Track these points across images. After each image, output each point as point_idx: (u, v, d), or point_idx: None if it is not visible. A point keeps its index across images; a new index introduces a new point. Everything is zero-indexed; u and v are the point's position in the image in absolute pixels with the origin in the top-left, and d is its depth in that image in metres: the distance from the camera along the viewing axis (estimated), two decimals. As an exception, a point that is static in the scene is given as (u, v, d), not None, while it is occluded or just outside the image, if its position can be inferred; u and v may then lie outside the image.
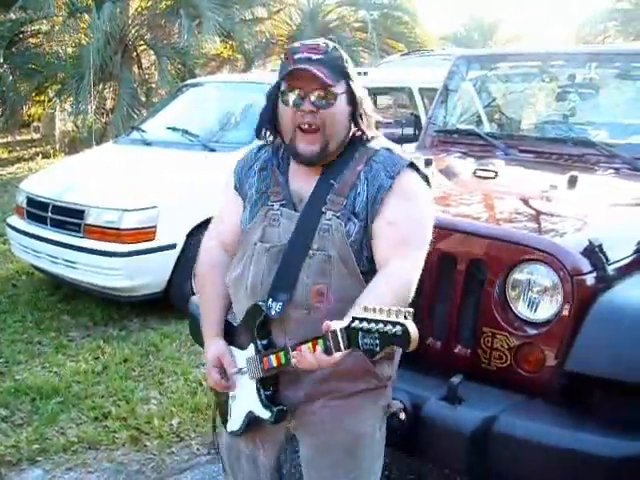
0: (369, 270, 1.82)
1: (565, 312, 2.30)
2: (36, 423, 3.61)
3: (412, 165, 1.87)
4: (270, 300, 1.81)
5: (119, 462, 3.30)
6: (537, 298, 2.38)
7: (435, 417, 2.27)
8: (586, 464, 2.13)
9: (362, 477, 1.98)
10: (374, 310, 1.48)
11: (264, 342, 1.86)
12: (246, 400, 1.93)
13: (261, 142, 2.03)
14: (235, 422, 2.02)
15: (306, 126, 1.80)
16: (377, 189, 1.81)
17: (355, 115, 1.86)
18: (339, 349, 1.56)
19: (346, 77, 1.83)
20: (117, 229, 4.85)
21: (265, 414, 1.88)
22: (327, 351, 1.58)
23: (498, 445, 2.19)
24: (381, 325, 1.45)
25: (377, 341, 1.46)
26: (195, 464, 3.30)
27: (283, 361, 1.75)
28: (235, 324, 1.99)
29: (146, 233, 4.90)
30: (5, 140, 14.89)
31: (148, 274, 4.92)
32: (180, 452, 3.39)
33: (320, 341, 1.60)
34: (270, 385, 1.89)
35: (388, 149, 1.89)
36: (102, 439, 3.47)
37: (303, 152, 1.83)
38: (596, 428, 2.16)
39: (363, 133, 1.89)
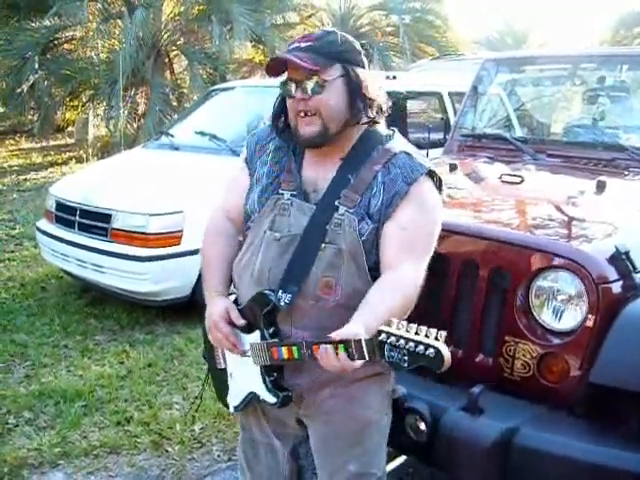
0: (375, 270, 1.85)
1: (590, 321, 2.24)
2: (59, 426, 3.62)
3: (429, 172, 1.89)
4: (280, 291, 1.83)
5: (140, 467, 3.29)
6: (561, 307, 2.32)
7: (454, 427, 2.22)
8: None
9: (371, 461, 2.02)
10: (401, 327, 1.51)
11: (270, 330, 1.88)
12: (248, 382, 1.98)
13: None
14: (234, 399, 2.08)
15: (302, 113, 1.84)
16: (393, 195, 1.83)
17: (353, 98, 1.86)
18: (362, 357, 1.60)
19: (343, 60, 1.84)
20: (143, 233, 4.87)
21: (271, 399, 1.92)
22: (349, 356, 1.62)
23: (519, 458, 2.13)
24: (411, 344, 1.49)
25: (406, 357, 1.50)
26: (216, 470, 3.28)
27: (296, 356, 1.77)
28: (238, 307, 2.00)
29: (172, 238, 4.91)
30: (40, 145, 15.08)
31: (174, 279, 4.92)
32: (201, 458, 3.38)
33: (341, 346, 1.63)
34: (274, 371, 1.92)
35: (407, 153, 1.90)
36: (124, 444, 3.47)
37: (303, 134, 1.86)
38: (621, 442, 2.10)
39: (358, 117, 1.88)
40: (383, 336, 1.52)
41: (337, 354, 1.63)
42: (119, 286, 5.01)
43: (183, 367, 4.38)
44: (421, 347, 1.47)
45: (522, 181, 3.10)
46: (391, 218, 1.83)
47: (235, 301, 2.03)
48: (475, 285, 2.46)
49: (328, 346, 1.65)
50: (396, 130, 1.99)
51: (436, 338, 1.48)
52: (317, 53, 1.81)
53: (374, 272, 1.83)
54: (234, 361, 2.03)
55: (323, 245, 1.82)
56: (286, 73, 1.87)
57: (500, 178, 3.18)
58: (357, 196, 1.83)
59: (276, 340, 1.86)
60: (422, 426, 2.28)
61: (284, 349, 1.80)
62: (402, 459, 3.06)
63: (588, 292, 2.24)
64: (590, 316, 2.24)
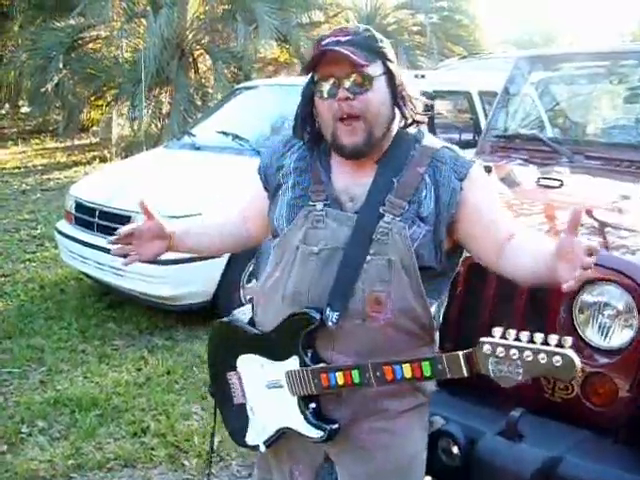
0: (429, 282, 1.67)
1: (641, 339, 2.05)
2: (73, 437, 3.49)
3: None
4: (328, 309, 1.64)
5: (155, 482, 3.16)
6: (608, 323, 2.14)
7: (491, 454, 2.05)
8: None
9: None
10: (509, 336, 1.39)
11: (309, 354, 1.67)
12: (278, 416, 1.76)
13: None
14: (257, 437, 1.84)
15: (345, 116, 1.65)
16: (451, 193, 1.67)
17: (397, 98, 1.70)
18: (459, 373, 1.46)
19: (382, 57, 1.68)
20: (163, 236, 4.73)
21: (314, 433, 1.69)
22: (436, 375, 1.50)
23: (563, 490, 1.96)
24: (529, 353, 1.36)
25: (520, 369, 1.38)
26: (234, 487, 3.14)
27: (357, 381, 1.58)
28: (258, 332, 1.80)
29: (192, 240, 4.76)
30: (64, 144, 15.09)
31: (194, 283, 4.78)
32: (220, 473, 3.23)
33: (426, 363, 1.49)
34: (312, 401, 1.69)
35: (448, 148, 1.76)
36: (139, 456, 3.33)
37: (347, 144, 1.67)
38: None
39: (406, 118, 1.73)
40: (487, 348, 1.39)
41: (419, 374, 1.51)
42: (138, 290, 4.88)
43: (203, 375, 4.22)
44: (543, 355, 1.34)
45: (562, 185, 2.91)
46: (464, 217, 1.68)
47: (251, 322, 1.85)
48: (513, 299, 2.28)
49: (406, 365, 1.51)
50: (421, 126, 1.81)
51: (559, 345, 1.34)
52: (360, 47, 1.64)
53: (430, 271, 1.67)
54: (256, 393, 1.81)
55: (369, 257, 1.64)
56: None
57: (538, 182, 3.00)
58: (404, 202, 1.66)
59: (324, 365, 1.65)
60: (455, 450, 2.11)
61: (339, 374, 1.59)
62: None
63: (638, 306, 2.06)
64: (641, 333, 2.05)
